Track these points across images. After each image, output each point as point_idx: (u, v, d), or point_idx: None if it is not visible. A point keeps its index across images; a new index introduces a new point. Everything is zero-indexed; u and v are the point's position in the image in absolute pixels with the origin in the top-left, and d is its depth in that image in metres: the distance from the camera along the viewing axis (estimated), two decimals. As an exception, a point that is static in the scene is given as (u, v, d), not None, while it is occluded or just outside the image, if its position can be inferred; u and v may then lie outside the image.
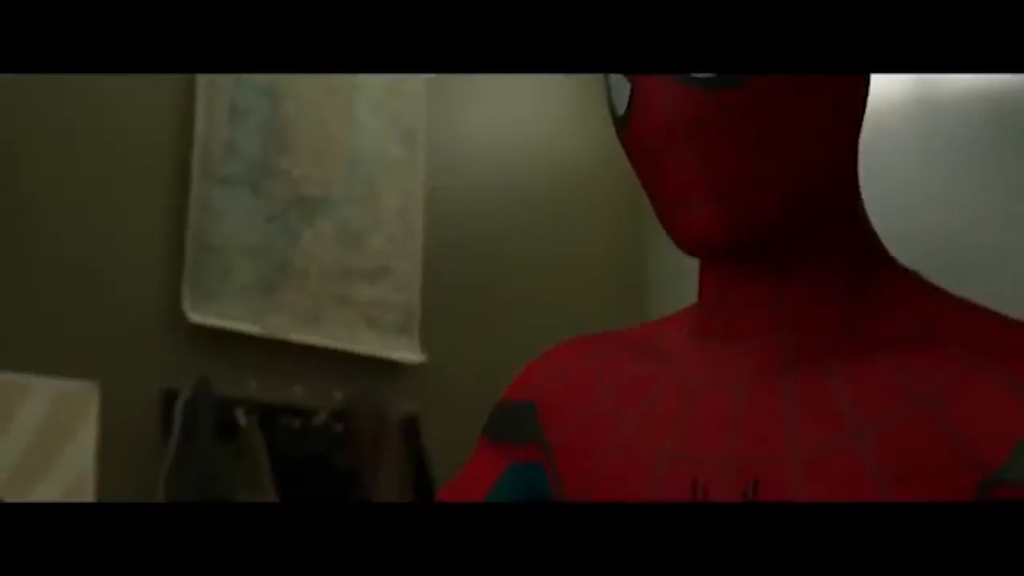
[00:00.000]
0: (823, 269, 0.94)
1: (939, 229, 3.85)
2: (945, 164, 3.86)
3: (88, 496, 2.61)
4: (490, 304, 3.59)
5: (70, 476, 2.61)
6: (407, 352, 3.26)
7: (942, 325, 0.90)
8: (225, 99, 2.95)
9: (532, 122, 3.79)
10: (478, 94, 3.62)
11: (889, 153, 3.95)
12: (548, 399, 1.08)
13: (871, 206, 3.98)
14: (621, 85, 0.93)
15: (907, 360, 0.89)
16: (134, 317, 2.75)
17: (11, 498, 2.49)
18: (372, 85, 3.30)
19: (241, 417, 2.84)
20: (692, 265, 4.11)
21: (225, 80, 2.97)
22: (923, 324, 0.91)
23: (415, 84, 3.42)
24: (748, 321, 0.97)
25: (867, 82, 0.94)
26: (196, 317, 2.82)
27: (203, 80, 2.91)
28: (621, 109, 0.94)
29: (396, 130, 3.37)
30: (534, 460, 1.08)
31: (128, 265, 2.75)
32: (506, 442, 1.10)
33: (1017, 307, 3.70)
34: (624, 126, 0.93)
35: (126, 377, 2.72)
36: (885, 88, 4.00)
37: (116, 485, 2.67)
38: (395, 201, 3.33)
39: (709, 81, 0.88)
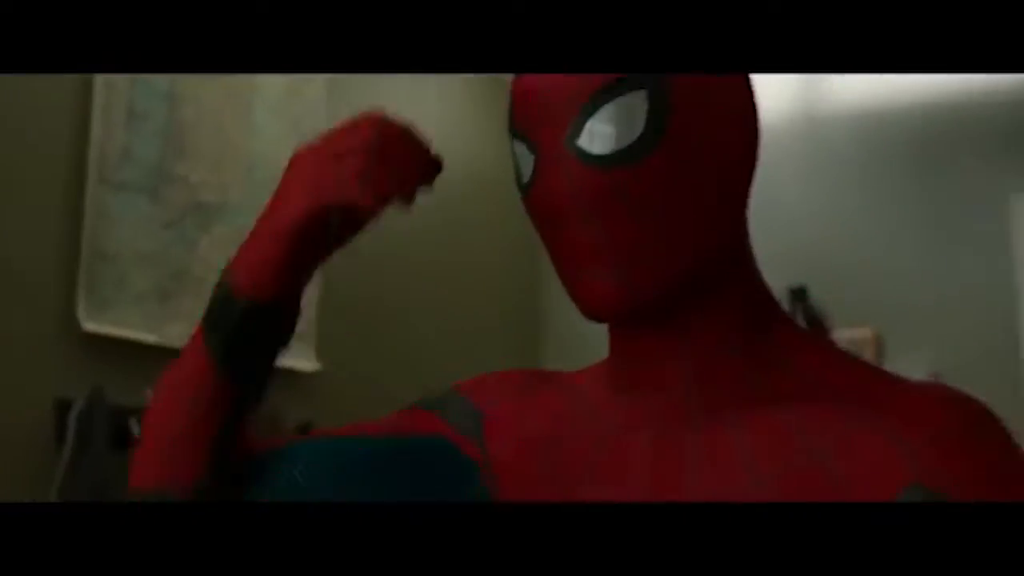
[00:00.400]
0: (721, 325, 1.00)
1: (821, 244, 3.96)
2: (827, 180, 3.97)
3: (-21, 508, 2.57)
4: (385, 312, 3.60)
5: (-40, 488, 2.56)
6: (303, 360, 3.26)
7: (832, 381, 0.97)
8: (123, 102, 2.90)
9: (433, 126, 3.81)
10: (378, 97, 3.62)
11: (772, 169, 4.05)
12: (495, 415, 1.12)
13: (755, 222, 4.07)
14: (526, 155, 0.98)
15: (802, 415, 0.95)
16: (28, 325, 2.71)
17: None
18: (271, 88, 3.28)
19: (135, 426, 2.81)
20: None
21: (123, 82, 2.92)
22: (815, 380, 0.98)
23: (315, 87, 3.40)
24: (655, 375, 1.02)
25: (756, 147, 1.00)
26: (91, 325, 2.79)
27: (100, 82, 2.86)
28: (526, 177, 0.98)
29: (295, 133, 3.35)
30: (471, 455, 1.11)
31: (22, 272, 2.70)
32: (443, 420, 1.13)
33: (895, 321, 3.83)
34: (528, 193, 0.98)
35: (19, 386, 2.68)
36: (769, 105, 4.10)
37: (9, 494, 2.63)
38: (292, 206, 3.32)
39: (606, 159, 0.93)
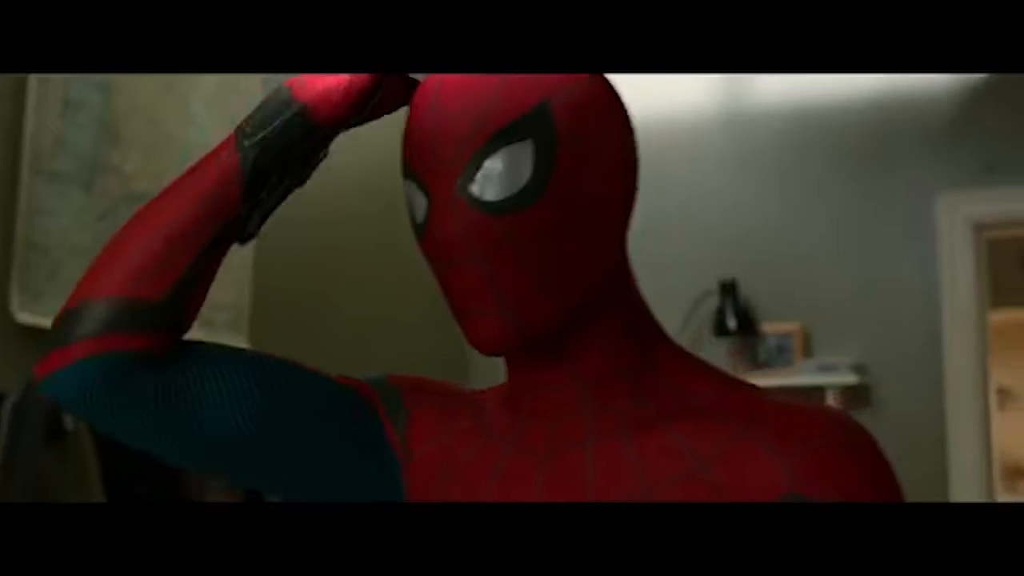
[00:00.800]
0: (609, 350, 1.08)
1: (751, 240, 4.03)
2: (756, 176, 4.03)
3: (-91, 502, 2.54)
4: (319, 300, 3.60)
5: None
6: (229, 340, 3.25)
7: (713, 399, 1.06)
8: (58, 92, 2.87)
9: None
10: (312, 89, 3.61)
11: (702, 163, 4.10)
12: (419, 417, 1.17)
13: (685, 216, 4.12)
14: (419, 198, 1.05)
15: (688, 431, 1.04)
16: (-41, 317, 2.68)
17: None
18: (206, 78, 3.26)
19: (70, 419, 2.79)
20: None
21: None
22: (697, 398, 1.06)
23: (250, 80, 3.39)
24: (549, 401, 1.09)
25: (634, 188, 1.08)
26: (24, 317, 2.76)
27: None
28: (419, 219, 1.05)
29: (230, 125, 3.34)
30: (389, 439, 1.16)
31: (-47, 263, 2.67)
32: (380, 398, 1.18)
33: (822, 316, 3.90)
34: (421, 235, 1.05)
35: (-50, 379, 2.65)
36: (698, 100, 4.14)
37: (-62, 490, 2.60)
38: (227, 196, 3.30)
39: (495, 205, 1.01)
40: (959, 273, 3.68)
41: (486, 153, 1.01)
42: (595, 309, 1.07)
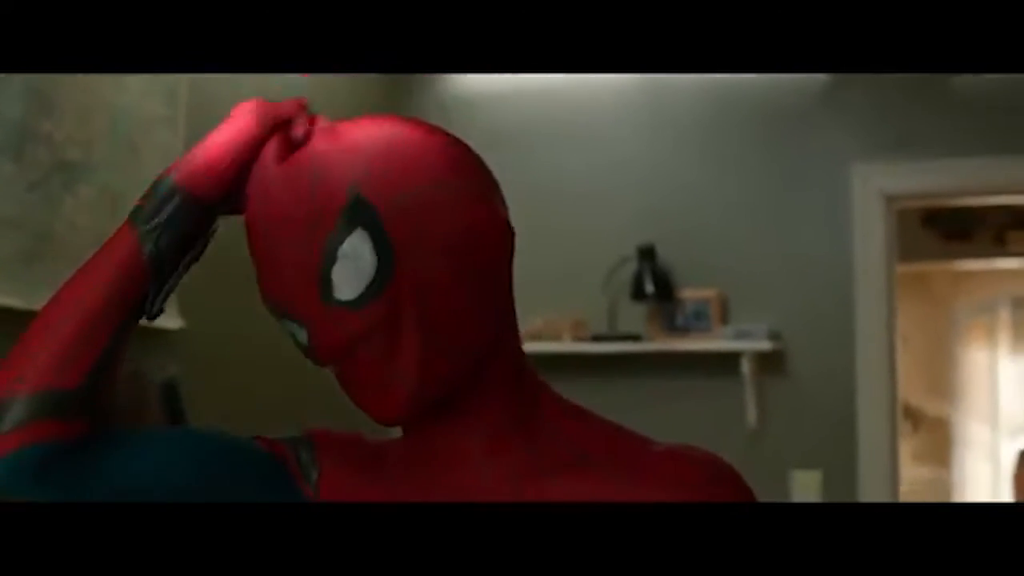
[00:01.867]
0: (497, 405, 1.15)
1: (669, 207, 4.10)
2: (674, 144, 4.11)
3: None
4: (247, 266, 3.60)
5: None
6: (166, 318, 3.25)
7: (595, 447, 1.14)
8: (-14, 60, 2.82)
9: (295, 78, 3.79)
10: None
11: (620, 130, 4.15)
12: (330, 476, 1.23)
13: (602, 182, 4.18)
14: (297, 328, 1.11)
15: (577, 485, 1.11)
16: None
17: None
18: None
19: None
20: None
21: (-16, 39, 2.83)
22: (582, 449, 1.14)
23: (179, 45, 3.35)
24: (447, 452, 1.16)
25: (504, 249, 1.13)
26: (-44, 290, 2.73)
27: (-39, 38, 2.77)
28: (304, 342, 1.11)
29: (164, 92, 3.31)
30: (305, 495, 1.22)
31: None
32: (292, 454, 1.23)
33: (739, 283, 4.00)
34: (312, 353, 1.11)
35: None
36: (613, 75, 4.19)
37: None
38: (155, 162, 3.28)
39: (359, 301, 1.07)
40: (871, 243, 3.81)
41: (330, 261, 1.07)
42: (485, 360, 1.14)
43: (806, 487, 3.81)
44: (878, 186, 3.80)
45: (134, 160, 3.20)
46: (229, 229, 3.53)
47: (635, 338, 4.03)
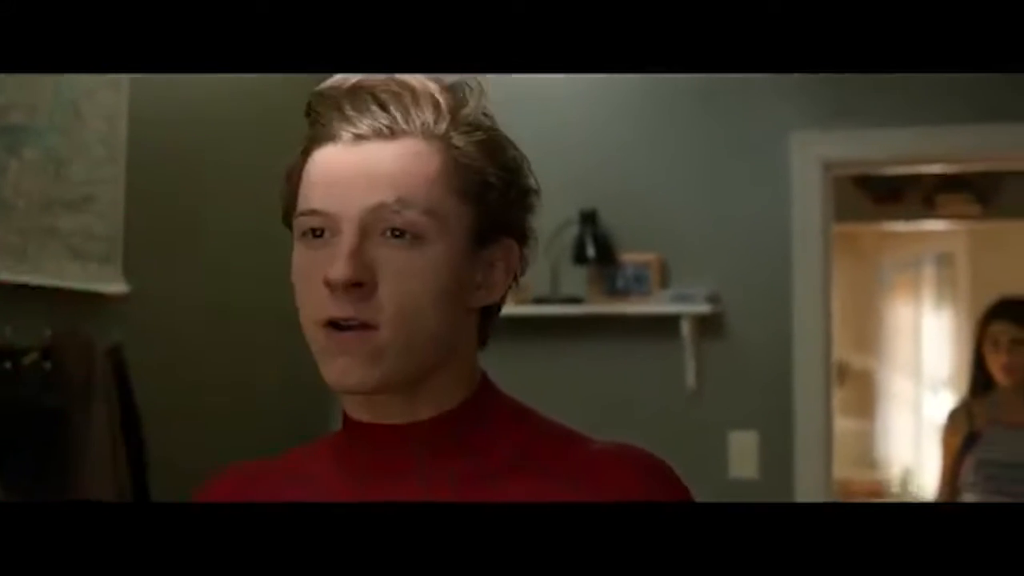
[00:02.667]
0: (445, 398, 1.17)
1: (611, 171, 4.14)
2: (615, 108, 4.14)
3: None
4: (193, 229, 3.59)
5: None
6: (110, 282, 3.24)
7: (547, 455, 1.16)
8: (-71, 24, 2.78)
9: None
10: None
11: (561, 92, 4.18)
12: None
13: (544, 145, 4.21)
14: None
15: (523, 489, 1.13)
16: None
17: None
18: (77, 5, 3.18)
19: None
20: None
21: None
22: (532, 454, 1.16)
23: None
24: (386, 458, 1.17)
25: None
26: (-99, 258, 2.71)
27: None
28: None
29: (101, 53, 3.27)
30: None
31: None
32: None
33: (679, 248, 4.06)
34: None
35: None
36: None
37: None
38: (99, 125, 3.25)
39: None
40: (808, 208, 3.88)
41: None
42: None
43: (743, 447, 3.89)
44: (816, 153, 3.87)
45: (78, 123, 3.18)
46: (172, 192, 3.52)
47: (576, 301, 4.08)
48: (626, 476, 1.12)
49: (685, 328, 3.93)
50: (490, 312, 1.24)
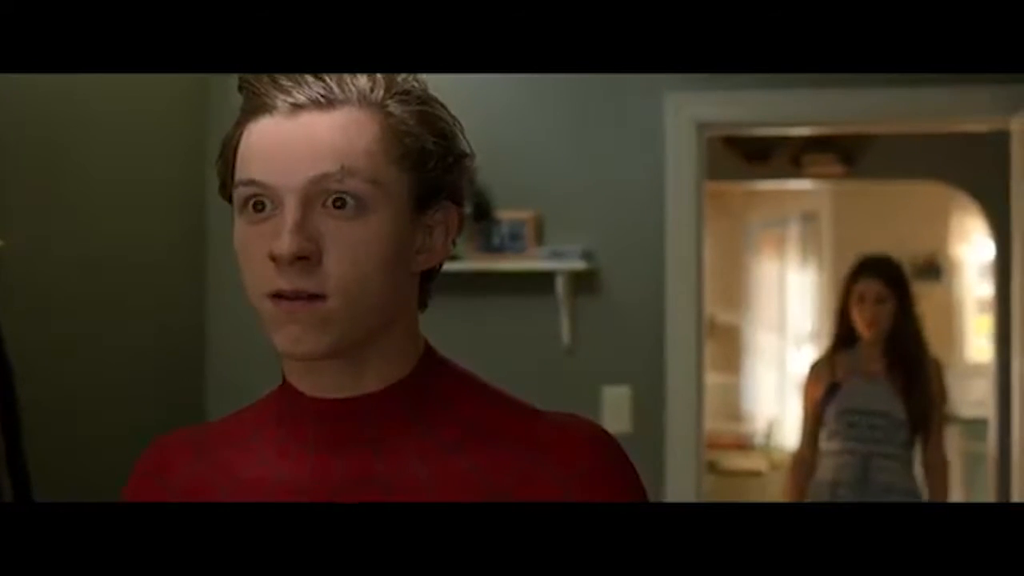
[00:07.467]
0: (393, 381, 1.19)
1: (486, 128, 4.16)
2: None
3: None
4: (71, 178, 3.51)
5: None
6: (-22, 236, 3.17)
7: (500, 426, 1.19)
8: None
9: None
10: None
11: (450, 49, 4.17)
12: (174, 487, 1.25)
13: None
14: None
15: (478, 460, 1.17)
16: None
17: None
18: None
19: None
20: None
21: None
22: (484, 425, 1.19)
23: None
24: (337, 428, 1.18)
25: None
26: None
27: None
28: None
29: None
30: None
31: None
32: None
33: (554, 205, 4.10)
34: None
35: None
36: (450, -13, 4.20)
37: None
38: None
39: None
40: (682, 168, 3.95)
41: None
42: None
43: (616, 402, 3.97)
44: (690, 114, 3.94)
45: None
46: (38, 132, 3.44)
47: (452, 258, 4.09)
48: (579, 447, 1.17)
49: (560, 285, 3.97)
50: (430, 275, 1.25)
